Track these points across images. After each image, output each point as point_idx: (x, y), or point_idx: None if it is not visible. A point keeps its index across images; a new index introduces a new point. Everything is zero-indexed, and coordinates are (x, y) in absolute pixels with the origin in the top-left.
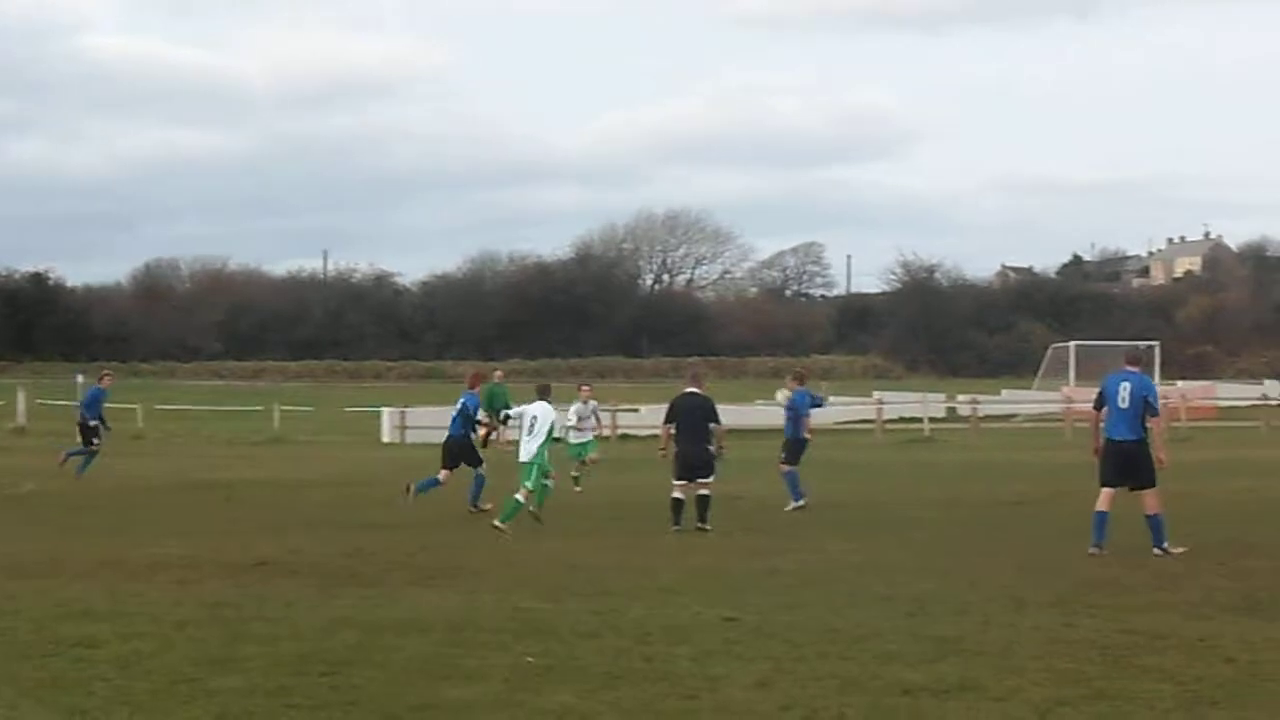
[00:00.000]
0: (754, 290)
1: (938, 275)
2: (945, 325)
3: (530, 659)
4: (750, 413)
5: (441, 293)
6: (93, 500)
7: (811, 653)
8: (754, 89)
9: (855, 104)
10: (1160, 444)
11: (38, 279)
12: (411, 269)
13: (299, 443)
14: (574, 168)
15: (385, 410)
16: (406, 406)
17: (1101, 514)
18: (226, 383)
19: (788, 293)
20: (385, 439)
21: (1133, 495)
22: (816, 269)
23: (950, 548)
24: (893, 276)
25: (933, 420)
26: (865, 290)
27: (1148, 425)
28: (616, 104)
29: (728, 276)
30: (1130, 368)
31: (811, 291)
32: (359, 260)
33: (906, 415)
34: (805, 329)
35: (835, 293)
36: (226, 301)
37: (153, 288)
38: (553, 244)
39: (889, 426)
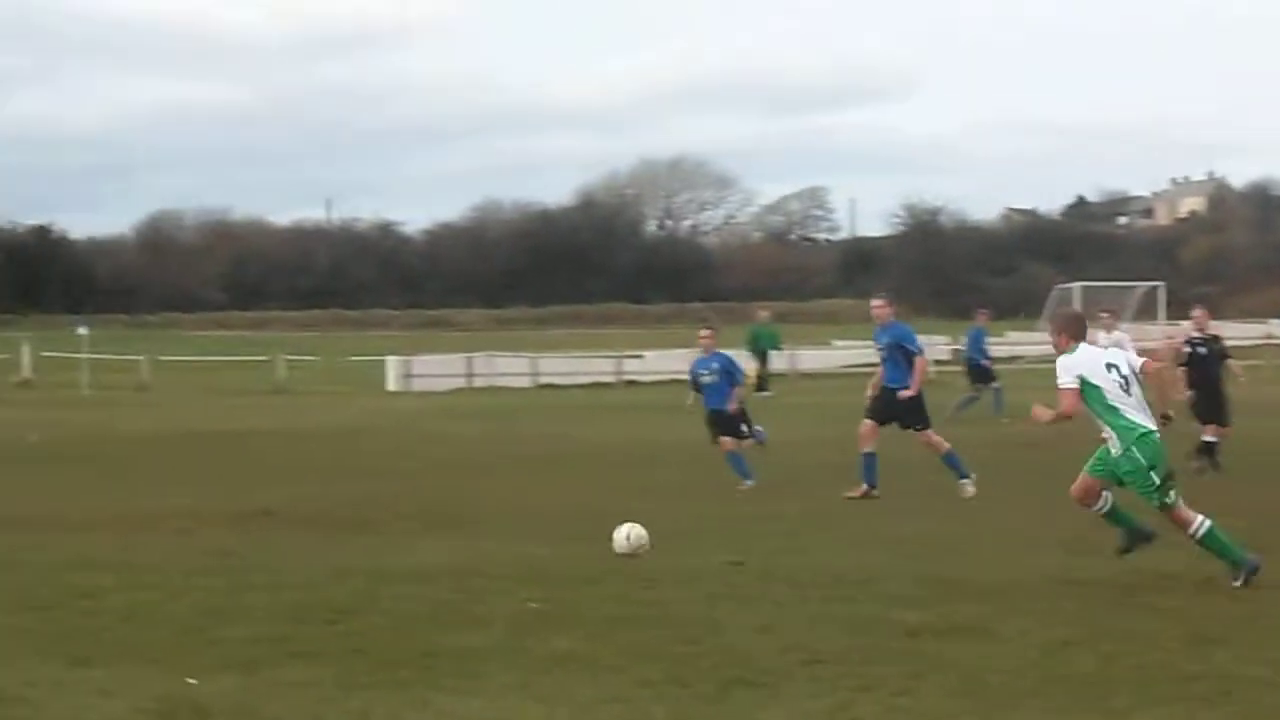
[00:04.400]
0: (758, 235)
1: (941, 218)
2: (950, 268)
3: (533, 605)
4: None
5: (445, 241)
6: (97, 452)
7: (815, 596)
8: (756, 33)
9: (857, 47)
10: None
11: (41, 232)
12: (415, 218)
13: (304, 392)
14: (577, 114)
15: (390, 359)
16: (412, 355)
17: None
18: (231, 333)
19: (792, 237)
20: (390, 388)
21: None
22: (820, 213)
23: (953, 490)
24: (896, 219)
25: (937, 363)
26: (869, 234)
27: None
28: (619, 50)
29: (731, 222)
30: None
31: (815, 236)
32: (362, 209)
33: None
34: (809, 273)
35: (839, 237)
36: (230, 252)
37: (156, 239)
38: (556, 191)
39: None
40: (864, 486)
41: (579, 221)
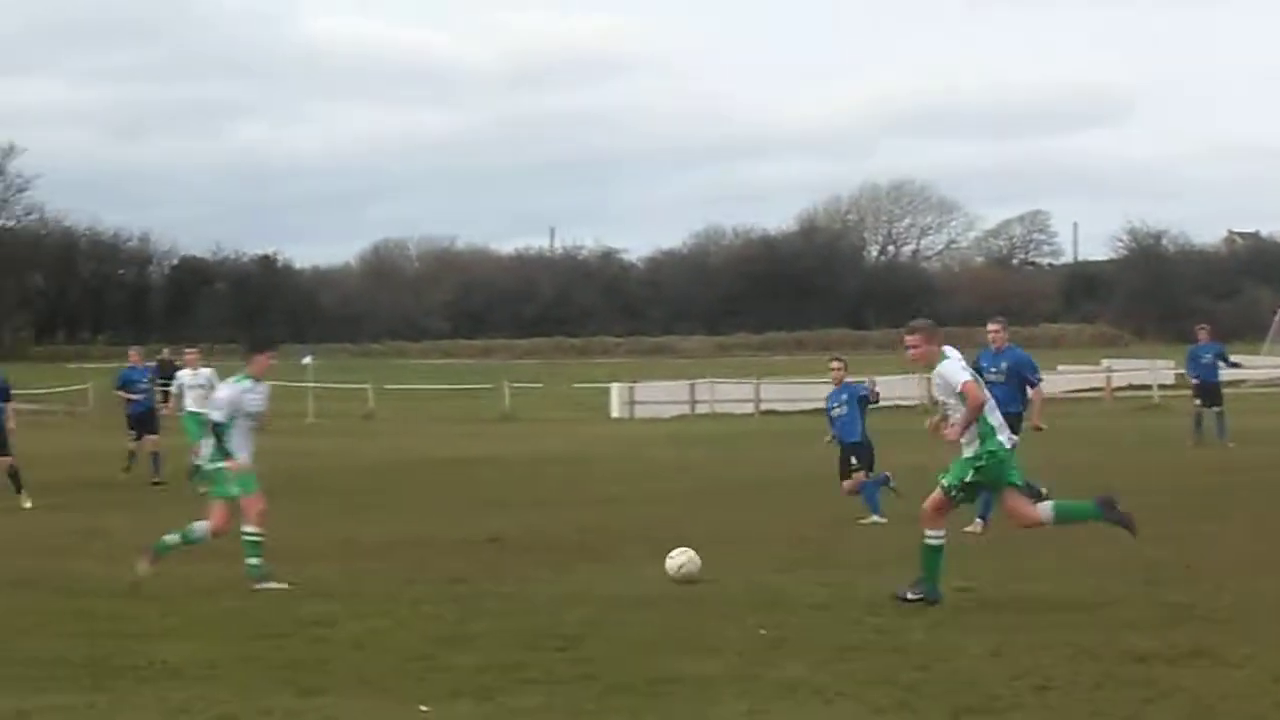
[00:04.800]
0: (980, 260)
1: (1164, 241)
2: (1172, 292)
3: (763, 631)
4: None
5: (667, 268)
6: (325, 481)
7: (1043, 622)
8: (977, 57)
9: (1077, 70)
10: None
11: (266, 261)
12: (637, 246)
13: (529, 420)
14: (798, 141)
15: (614, 386)
16: (635, 382)
17: None
18: (456, 361)
19: (1014, 261)
20: (614, 414)
21: None
22: (1042, 237)
23: (1183, 514)
24: (1119, 244)
25: (1161, 387)
26: (1092, 258)
27: None
28: (840, 76)
29: (953, 246)
30: None
31: (1038, 260)
32: (585, 237)
33: (1135, 382)
34: (1032, 298)
35: (1062, 261)
36: (455, 281)
37: (381, 268)
38: (778, 217)
39: (1118, 394)
40: (978, 521)
41: (801, 247)
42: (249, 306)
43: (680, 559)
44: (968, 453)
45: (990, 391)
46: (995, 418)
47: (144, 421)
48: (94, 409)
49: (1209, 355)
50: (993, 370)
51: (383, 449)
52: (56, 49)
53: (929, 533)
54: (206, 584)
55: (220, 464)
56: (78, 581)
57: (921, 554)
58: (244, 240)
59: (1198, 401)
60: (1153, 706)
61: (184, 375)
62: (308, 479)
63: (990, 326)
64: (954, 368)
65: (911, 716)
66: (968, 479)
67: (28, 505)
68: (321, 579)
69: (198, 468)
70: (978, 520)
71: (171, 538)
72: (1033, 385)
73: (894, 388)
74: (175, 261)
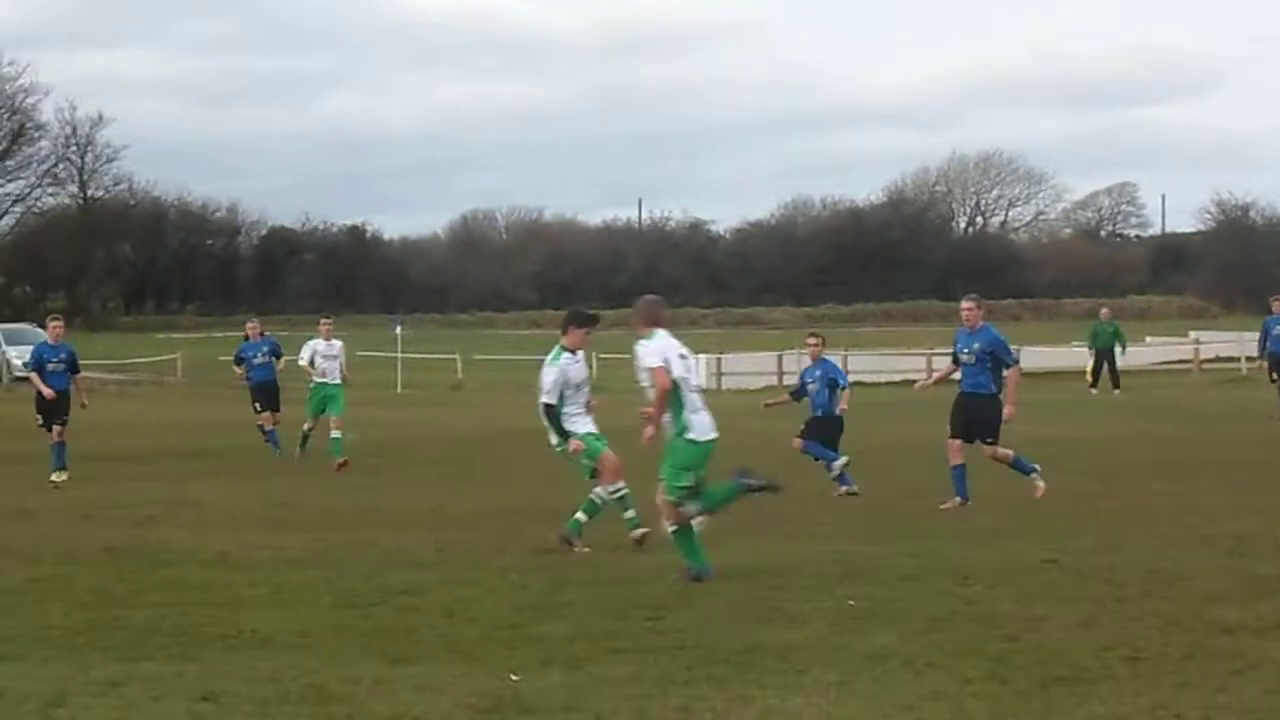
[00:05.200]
0: (1068, 231)
1: (1252, 214)
2: (1261, 264)
3: (852, 602)
4: (1066, 354)
5: (755, 239)
6: (412, 450)
7: (1133, 593)
8: (1065, 27)
9: (1165, 40)
10: None
11: (355, 232)
12: (725, 217)
13: (617, 389)
14: (885, 112)
15: (701, 357)
16: (722, 353)
17: None
18: (544, 332)
19: (1102, 233)
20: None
21: None
22: (1131, 209)
23: (1270, 486)
24: (1207, 215)
25: (1249, 359)
26: (1179, 230)
27: None
28: (928, 46)
29: (1041, 218)
30: None
31: (1126, 232)
32: (673, 208)
33: (1223, 355)
34: (1120, 269)
35: (1150, 233)
36: (543, 251)
37: (469, 238)
38: (866, 189)
39: (1206, 366)
40: (956, 499)
41: (889, 219)
42: (338, 277)
43: None
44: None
45: (963, 372)
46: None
47: (267, 395)
48: (182, 379)
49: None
50: (965, 351)
51: (471, 419)
52: (147, 20)
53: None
54: (294, 554)
55: (565, 448)
56: (166, 551)
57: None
58: (333, 211)
59: (1274, 376)
60: (1240, 678)
61: (318, 344)
62: (397, 449)
63: (964, 304)
64: (644, 350)
65: (1001, 687)
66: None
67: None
68: (410, 548)
69: (306, 437)
70: (956, 499)
71: (580, 515)
72: (1008, 366)
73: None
74: (264, 232)
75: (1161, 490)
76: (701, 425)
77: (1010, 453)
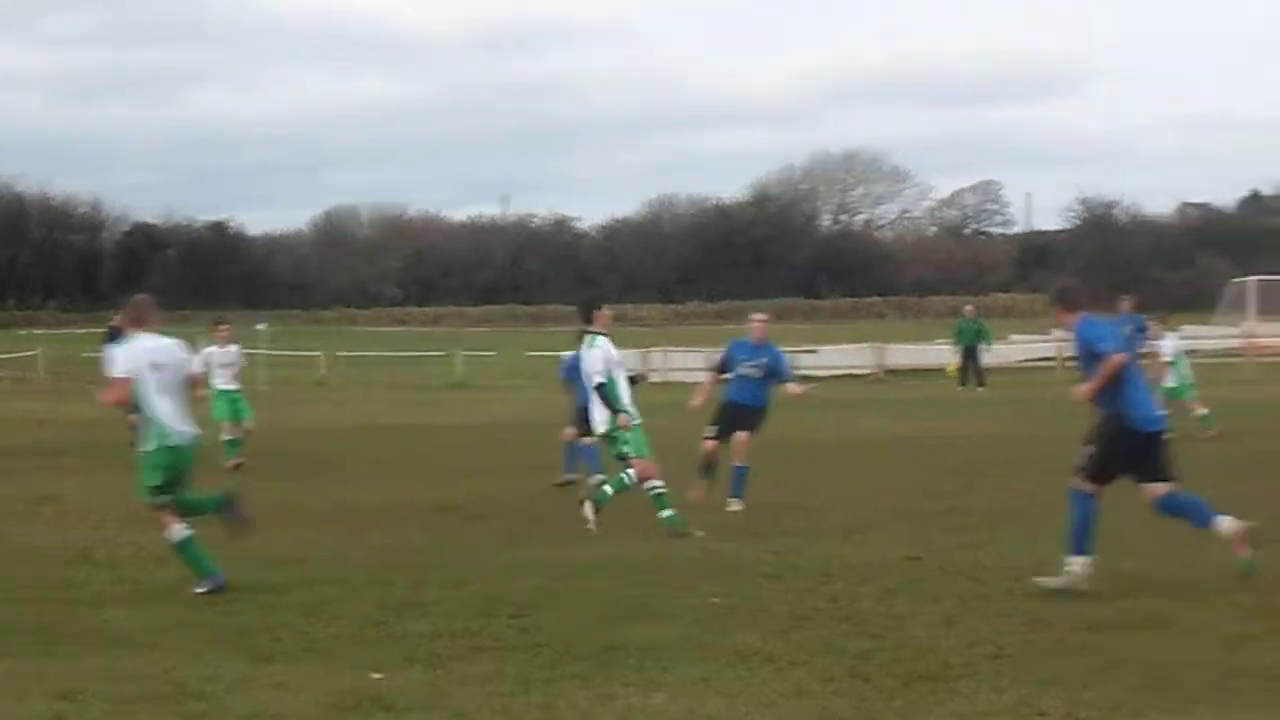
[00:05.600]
0: (933, 229)
1: (1116, 212)
2: (1125, 262)
3: (716, 599)
4: (930, 352)
5: (621, 236)
6: (275, 447)
7: (996, 590)
8: (930, 27)
9: (1029, 39)
10: None
11: (218, 228)
12: (591, 214)
13: (483, 387)
14: (751, 110)
15: (567, 355)
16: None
17: None
18: (408, 329)
19: (966, 231)
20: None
21: None
22: (995, 207)
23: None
24: (1072, 214)
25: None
26: (1044, 228)
27: None
28: (794, 45)
29: (906, 216)
30: None
31: (990, 230)
32: (539, 205)
33: None
34: (985, 267)
35: (1014, 231)
36: (407, 248)
37: (333, 235)
38: (731, 187)
39: (1070, 363)
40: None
41: (754, 216)
42: (200, 274)
43: None
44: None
45: (741, 384)
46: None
47: None
48: (44, 375)
49: (1128, 327)
50: (750, 364)
51: (334, 416)
52: (10, 13)
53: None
54: (157, 550)
55: (614, 425)
56: (29, 548)
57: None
58: (197, 207)
59: None
60: (1106, 674)
61: (213, 351)
62: (257, 445)
63: (755, 318)
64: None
65: (863, 685)
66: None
67: None
68: (272, 546)
69: (234, 443)
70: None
71: (608, 489)
72: (789, 381)
73: (845, 356)
74: (127, 228)
75: (1026, 487)
76: (165, 429)
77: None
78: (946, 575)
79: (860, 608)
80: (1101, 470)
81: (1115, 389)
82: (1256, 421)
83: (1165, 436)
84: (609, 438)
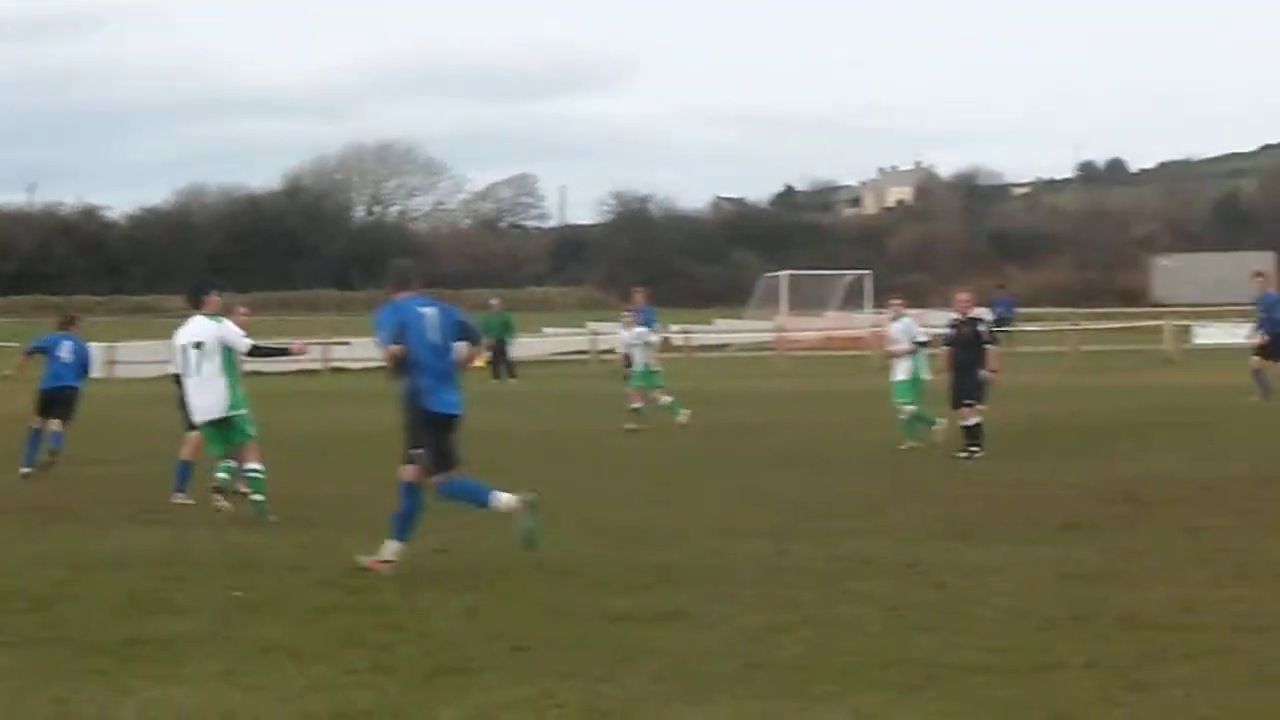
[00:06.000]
0: (468, 222)
1: (651, 206)
2: (659, 256)
3: (238, 593)
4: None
5: (150, 226)
6: None
7: (521, 583)
8: (469, 18)
9: (569, 34)
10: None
11: None
12: (121, 203)
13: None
14: (287, 100)
15: (94, 345)
16: (116, 342)
17: None
18: None
19: (502, 224)
20: (95, 375)
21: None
22: (530, 200)
23: (666, 477)
24: (606, 208)
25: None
26: (580, 222)
27: None
28: (332, 36)
29: (441, 208)
30: None
31: (526, 223)
32: (66, 194)
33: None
34: (520, 260)
35: (549, 224)
36: None
37: None
38: (265, 177)
39: (604, 357)
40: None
41: (286, 206)
42: None
43: None
44: None
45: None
46: None
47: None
48: None
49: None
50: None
51: None
52: None
53: None
54: None
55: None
56: None
57: None
58: None
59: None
60: (627, 666)
61: None
62: None
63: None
64: None
65: (385, 678)
66: None
67: None
68: None
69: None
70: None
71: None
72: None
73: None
74: None
75: (555, 480)
76: None
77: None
78: (472, 568)
79: (383, 600)
80: (435, 459)
81: (409, 375)
82: (786, 413)
83: (457, 421)
84: (226, 423)
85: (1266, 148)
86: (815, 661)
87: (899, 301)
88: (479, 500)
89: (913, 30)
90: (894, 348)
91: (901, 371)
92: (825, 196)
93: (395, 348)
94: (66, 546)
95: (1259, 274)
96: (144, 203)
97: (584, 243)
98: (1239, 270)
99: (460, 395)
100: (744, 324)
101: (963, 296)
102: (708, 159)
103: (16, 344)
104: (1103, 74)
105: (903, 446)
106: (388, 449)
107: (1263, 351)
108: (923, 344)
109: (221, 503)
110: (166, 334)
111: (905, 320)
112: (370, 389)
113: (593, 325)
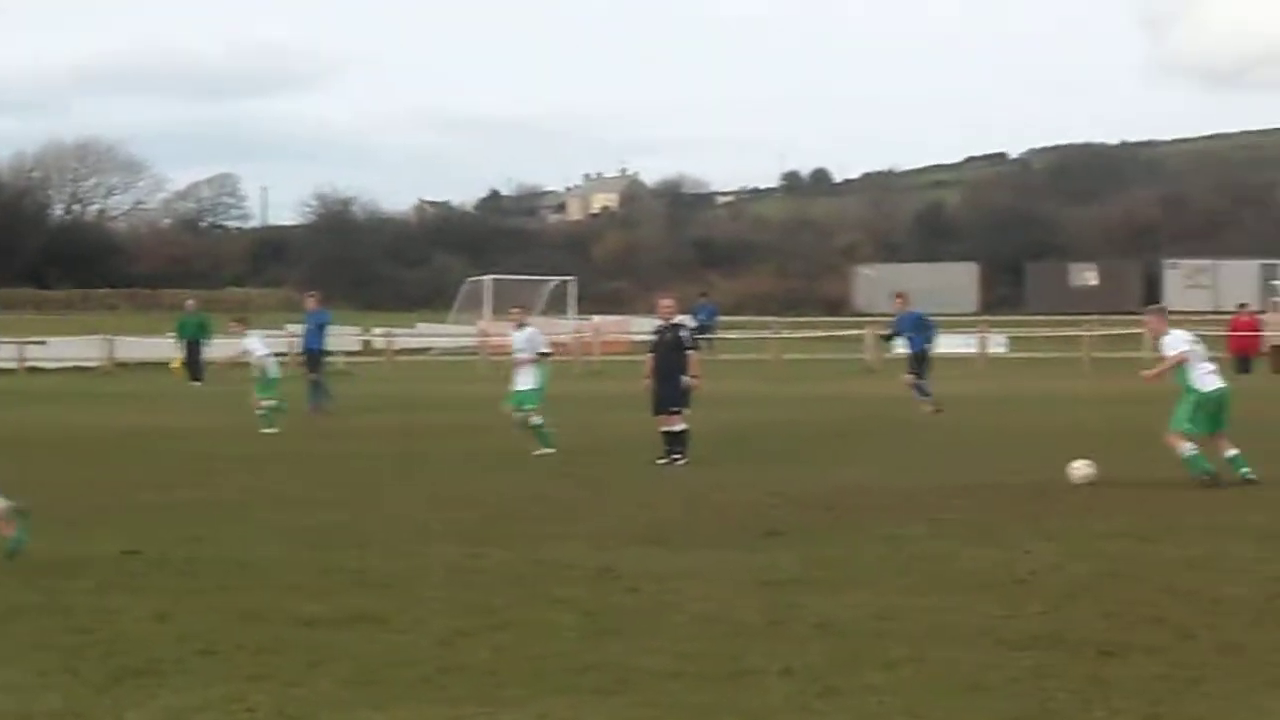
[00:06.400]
0: (168, 221)
1: (354, 208)
2: (362, 259)
3: None
4: (161, 345)
5: None
6: None
7: (212, 585)
8: (173, 19)
9: (271, 35)
10: None
11: None
12: None
13: None
14: None
15: None
16: None
17: None
18: None
19: (203, 224)
20: None
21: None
22: (231, 200)
23: (361, 480)
24: (308, 209)
25: (347, 354)
26: (281, 223)
27: None
28: (33, 32)
29: (140, 207)
30: None
31: (227, 223)
32: None
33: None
34: (221, 261)
35: (251, 224)
36: None
37: None
38: None
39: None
40: None
41: None
42: None
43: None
44: None
45: None
46: None
47: None
48: None
49: (313, 324)
50: None
51: None
52: None
53: None
54: None
55: None
56: None
57: None
58: None
59: (311, 371)
60: (317, 670)
61: None
62: None
63: None
64: None
65: (72, 679)
66: None
67: None
68: None
69: None
70: None
71: None
72: None
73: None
74: None
75: (247, 483)
76: None
77: None
78: (163, 570)
79: (73, 602)
80: None
81: None
82: (484, 417)
83: None
84: None
85: (970, 160)
86: (506, 666)
87: (519, 310)
88: None
89: (619, 38)
90: (518, 357)
91: (526, 380)
92: (531, 202)
93: None
94: None
95: (899, 295)
96: None
97: (285, 244)
98: (940, 280)
99: None
100: (447, 328)
101: (666, 303)
102: (414, 162)
103: None
104: (808, 84)
105: (536, 453)
106: (82, 451)
107: (913, 367)
108: (546, 354)
109: None
110: None
111: (529, 330)
112: (65, 390)
113: (291, 327)
